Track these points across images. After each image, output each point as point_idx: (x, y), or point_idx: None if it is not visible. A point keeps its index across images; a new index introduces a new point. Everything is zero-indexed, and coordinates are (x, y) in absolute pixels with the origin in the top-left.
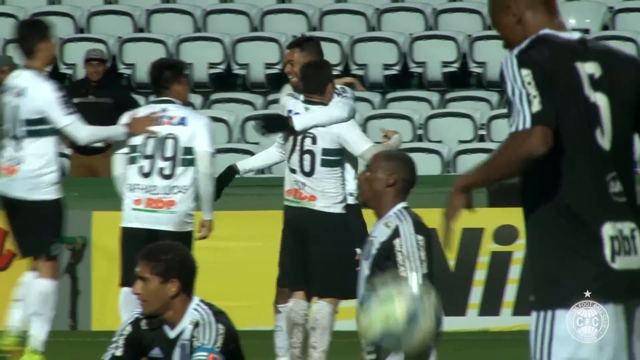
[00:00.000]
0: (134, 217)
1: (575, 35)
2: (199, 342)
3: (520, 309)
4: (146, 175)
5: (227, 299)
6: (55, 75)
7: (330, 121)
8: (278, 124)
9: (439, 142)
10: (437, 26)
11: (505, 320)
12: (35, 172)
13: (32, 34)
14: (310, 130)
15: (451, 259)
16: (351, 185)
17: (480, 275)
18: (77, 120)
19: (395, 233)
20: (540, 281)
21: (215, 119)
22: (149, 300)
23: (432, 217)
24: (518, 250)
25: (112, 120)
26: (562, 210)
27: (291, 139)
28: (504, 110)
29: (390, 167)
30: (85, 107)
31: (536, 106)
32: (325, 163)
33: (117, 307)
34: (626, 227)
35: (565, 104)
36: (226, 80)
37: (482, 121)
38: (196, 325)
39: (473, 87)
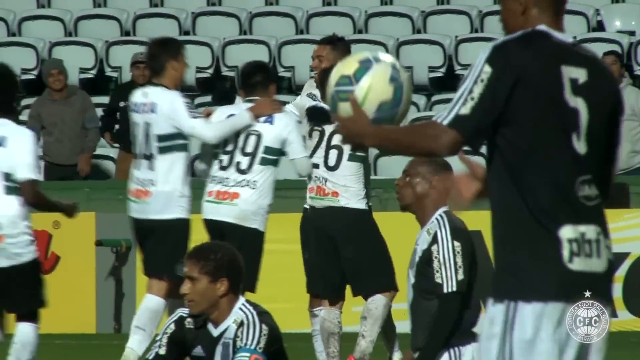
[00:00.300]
0: (204, 209)
1: (569, 39)
2: (242, 342)
3: None
4: (223, 168)
5: (269, 301)
6: (101, 79)
7: None
8: (323, 116)
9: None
10: (483, 28)
11: None
12: (168, 192)
13: (162, 52)
14: None
15: None
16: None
17: None
18: (202, 122)
19: (434, 239)
20: (502, 274)
21: None
22: (196, 301)
23: (478, 218)
24: None
25: None
26: (526, 209)
27: (318, 134)
28: None
29: (430, 170)
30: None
31: (466, 109)
32: (352, 158)
33: None
34: (591, 230)
35: (541, 105)
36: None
37: None
38: (240, 324)
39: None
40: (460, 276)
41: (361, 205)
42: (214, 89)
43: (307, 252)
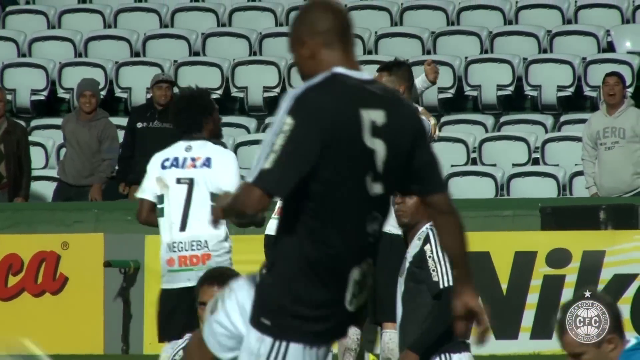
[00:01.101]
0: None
1: (366, 76)
2: None
3: None
4: None
5: None
6: (111, 99)
7: None
8: None
9: (493, 165)
10: (493, 49)
11: (557, 344)
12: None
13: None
14: None
15: (504, 282)
16: None
17: (532, 298)
18: None
19: (425, 240)
20: (277, 307)
21: None
22: None
23: (486, 240)
24: (571, 273)
25: None
26: (314, 246)
27: None
28: (559, 134)
29: None
30: (150, 132)
31: (268, 164)
32: None
33: None
34: (366, 267)
35: (342, 150)
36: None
37: (536, 144)
38: None
39: (528, 111)
40: None
41: (395, 230)
42: (225, 110)
43: None
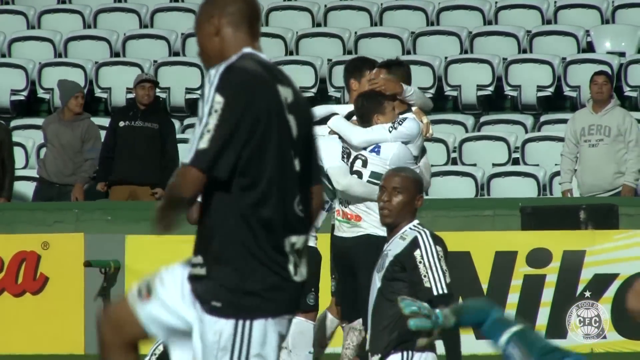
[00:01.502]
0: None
1: (271, 60)
2: None
3: (553, 332)
4: None
5: None
6: (91, 100)
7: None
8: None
9: (473, 165)
10: (472, 49)
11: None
12: None
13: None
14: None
15: (484, 282)
16: None
17: (513, 298)
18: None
19: (414, 244)
20: (225, 289)
21: None
22: None
23: (466, 240)
24: (551, 273)
25: (155, 147)
26: (251, 223)
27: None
28: (539, 134)
29: (418, 188)
30: (133, 131)
31: (204, 143)
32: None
33: None
34: (300, 240)
35: (269, 124)
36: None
37: (516, 144)
38: None
39: (507, 111)
40: (448, 279)
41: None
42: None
43: (332, 273)
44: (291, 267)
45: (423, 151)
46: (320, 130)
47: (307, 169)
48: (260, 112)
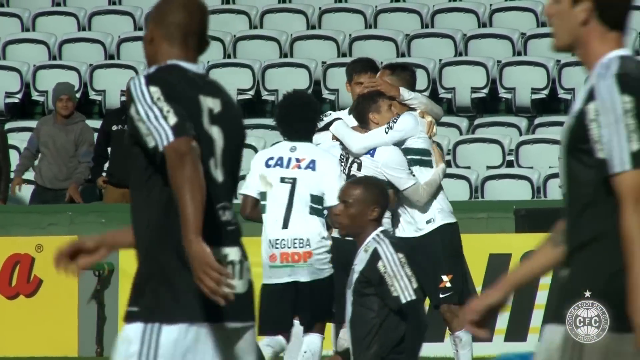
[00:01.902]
0: None
1: (201, 70)
2: None
3: None
4: None
5: None
6: (85, 102)
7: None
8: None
9: (468, 167)
10: (467, 52)
11: (532, 346)
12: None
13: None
14: None
15: (478, 285)
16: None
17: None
18: None
19: (375, 256)
20: (148, 292)
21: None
22: None
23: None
24: (545, 276)
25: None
26: (167, 233)
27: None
28: (533, 136)
29: (370, 198)
30: (123, 135)
31: (173, 119)
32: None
33: None
34: (234, 252)
35: None
36: (255, 107)
37: (510, 147)
38: None
39: (502, 113)
40: (415, 284)
41: None
42: None
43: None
44: None
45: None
46: (323, 137)
47: (232, 182)
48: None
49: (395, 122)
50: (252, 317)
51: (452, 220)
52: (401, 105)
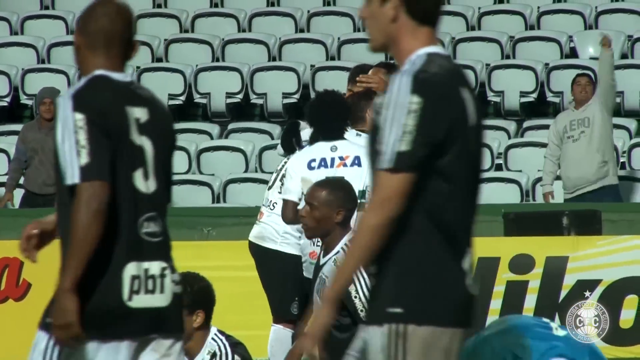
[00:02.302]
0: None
1: (128, 78)
2: None
3: None
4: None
5: (246, 328)
6: None
7: None
8: None
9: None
10: (455, 56)
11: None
12: None
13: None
14: None
15: None
16: None
17: (495, 304)
18: None
19: None
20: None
21: (233, 149)
22: None
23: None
24: (534, 279)
25: None
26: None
27: None
28: (522, 140)
29: (335, 201)
30: None
31: (84, 158)
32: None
33: None
34: (155, 266)
35: (115, 147)
36: (244, 110)
37: (499, 150)
38: (213, 355)
39: (490, 116)
40: None
41: None
42: (187, 116)
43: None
44: (125, 292)
45: None
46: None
47: (166, 190)
48: (103, 132)
49: None
50: (176, 329)
51: None
52: None
